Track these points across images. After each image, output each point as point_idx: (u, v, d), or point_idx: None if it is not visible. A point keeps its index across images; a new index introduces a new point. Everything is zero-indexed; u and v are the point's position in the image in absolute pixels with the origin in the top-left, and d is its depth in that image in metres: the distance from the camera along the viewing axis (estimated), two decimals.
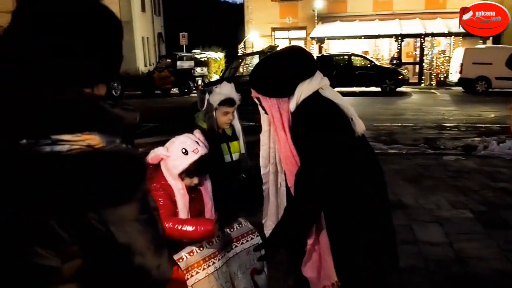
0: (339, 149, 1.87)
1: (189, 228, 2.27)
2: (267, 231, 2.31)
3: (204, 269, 2.30)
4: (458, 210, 5.27)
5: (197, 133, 2.50)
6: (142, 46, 33.06)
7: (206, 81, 21.73)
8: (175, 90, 22.74)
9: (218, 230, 2.47)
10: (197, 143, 2.39)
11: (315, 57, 16.55)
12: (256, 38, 27.73)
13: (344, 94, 17.61)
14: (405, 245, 4.10)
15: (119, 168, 0.95)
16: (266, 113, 2.06)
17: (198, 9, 44.17)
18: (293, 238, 2.05)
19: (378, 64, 21.85)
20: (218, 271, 2.36)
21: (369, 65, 20.92)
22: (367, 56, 22.46)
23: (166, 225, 2.21)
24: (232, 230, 2.56)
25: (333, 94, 1.97)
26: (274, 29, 28.53)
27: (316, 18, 26.38)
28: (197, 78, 22.12)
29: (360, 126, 1.94)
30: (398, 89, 20.37)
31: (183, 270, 2.22)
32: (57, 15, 0.96)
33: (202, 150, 2.37)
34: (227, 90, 2.96)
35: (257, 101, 2.07)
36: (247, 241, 2.59)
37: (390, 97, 18.56)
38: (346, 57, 21.44)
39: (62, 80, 0.94)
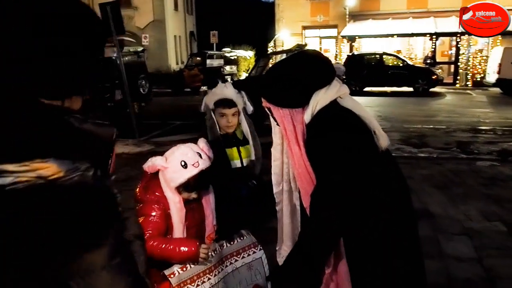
0: (359, 158, 1.63)
1: (170, 247, 2.10)
2: (281, 260, 2.05)
3: (198, 285, 2.12)
4: (491, 222, 4.90)
5: (201, 142, 2.32)
6: (174, 45, 33.34)
7: (235, 79, 21.69)
8: (204, 88, 22.74)
9: (215, 244, 2.30)
10: (199, 155, 2.21)
11: (346, 56, 16.33)
12: (287, 37, 27.47)
13: (375, 94, 17.30)
14: (428, 260, 3.78)
15: (81, 205, 0.76)
16: (278, 124, 1.83)
17: (229, 8, 44.20)
18: (309, 269, 1.76)
19: (411, 63, 21.21)
20: (213, 287, 2.18)
21: (401, 65, 20.33)
22: (399, 55, 21.85)
23: (150, 243, 2.07)
24: (232, 243, 2.36)
25: (353, 104, 1.74)
26: (304, 28, 28.21)
27: (347, 16, 25.92)
28: (226, 77, 22.11)
29: (384, 140, 1.72)
30: (432, 89, 19.72)
31: (174, 287, 2.04)
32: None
33: (203, 164, 2.20)
34: (221, 90, 2.76)
35: (268, 112, 1.85)
36: (248, 255, 2.39)
37: (422, 98, 17.97)
38: (377, 56, 20.88)
39: (19, 90, 0.76)
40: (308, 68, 1.73)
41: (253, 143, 2.89)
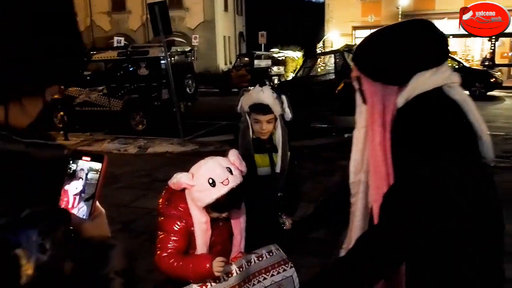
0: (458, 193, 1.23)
1: (185, 265, 1.95)
2: None
3: None
4: None
5: (232, 155, 2.09)
6: (223, 45, 33.58)
7: (282, 79, 21.50)
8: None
9: (242, 260, 2.11)
10: (229, 170, 1.98)
11: None
12: (336, 37, 26.96)
13: None
14: None
15: None
16: (364, 102, 1.46)
17: (279, 8, 44.03)
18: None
19: (467, 65, 20.20)
20: None
21: (456, 66, 19.35)
22: (454, 57, 20.86)
23: (168, 261, 1.96)
24: (260, 259, 2.16)
25: (462, 96, 1.35)
26: (355, 28, 27.60)
27: (400, 16, 25.07)
28: (273, 77, 21.94)
29: (489, 150, 1.33)
30: (489, 93, 18.67)
31: None
32: None
33: (234, 181, 1.96)
34: (256, 94, 2.51)
35: (355, 84, 1.50)
36: (278, 272, 2.18)
37: (479, 102, 16.91)
38: None
39: None
40: (417, 41, 1.36)
41: (282, 153, 2.63)
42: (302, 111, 12.35)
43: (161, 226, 2.03)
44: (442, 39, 1.38)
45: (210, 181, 1.92)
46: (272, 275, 2.17)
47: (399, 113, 1.35)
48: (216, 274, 1.93)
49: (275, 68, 22.96)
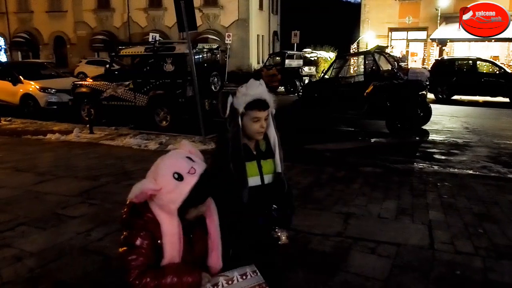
0: None
1: (168, 281, 1.71)
2: None
3: None
4: None
5: (185, 145, 1.89)
6: (256, 44, 33.39)
7: (313, 80, 21.15)
8: (281, 89, 22.41)
9: (212, 279, 1.86)
10: (190, 159, 1.78)
11: (434, 61, 15.19)
12: (371, 38, 26.32)
13: (464, 103, 15.91)
14: None
15: None
16: None
17: (315, 8, 43.52)
18: None
19: (510, 71, 19.25)
20: None
21: (497, 72, 18.49)
22: (496, 62, 19.93)
23: (144, 281, 1.70)
24: (230, 283, 1.90)
25: None
26: (391, 29, 26.91)
27: (439, 18, 24.27)
28: (304, 78, 21.59)
29: None
30: None
31: None
32: None
33: (199, 167, 1.78)
34: (255, 89, 2.24)
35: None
36: None
37: None
38: (470, 61, 19.13)
39: None
40: None
41: (279, 155, 2.35)
42: (328, 113, 12.05)
43: (126, 240, 1.78)
44: None
45: (176, 176, 1.73)
46: None
47: None
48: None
49: (306, 69, 22.58)
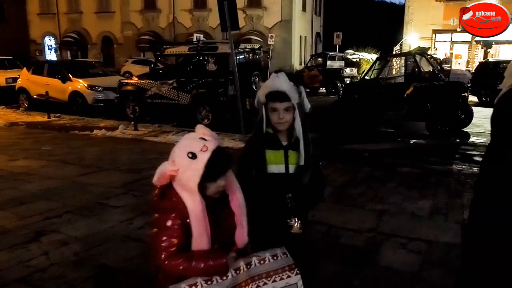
0: None
1: (197, 267, 1.84)
2: None
3: None
4: None
5: (199, 128, 2.00)
6: (299, 45, 33.43)
7: (355, 81, 21.02)
8: (323, 90, 22.36)
9: (240, 261, 1.97)
10: (203, 139, 1.90)
11: (478, 63, 14.90)
12: (414, 40, 25.80)
13: None
14: None
15: None
16: None
17: (358, 10, 43.10)
18: None
19: None
20: None
21: None
22: None
23: (173, 263, 1.83)
24: (262, 262, 2.00)
25: None
26: (435, 31, 26.25)
27: None
28: (345, 79, 21.46)
29: None
30: None
31: None
32: None
33: (212, 144, 1.89)
34: (273, 81, 2.34)
35: None
36: (281, 279, 2.00)
37: None
38: None
39: None
40: None
41: (304, 146, 2.44)
42: (368, 114, 11.97)
43: (157, 222, 1.91)
44: None
45: (190, 155, 1.83)
46: (274, 280, 2.00)
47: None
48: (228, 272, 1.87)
49: (347, 70, 22.48)
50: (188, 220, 1.88)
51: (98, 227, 4.62)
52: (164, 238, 1.86)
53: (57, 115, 13.71)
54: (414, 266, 3.78)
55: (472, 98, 18.00)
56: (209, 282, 1.86)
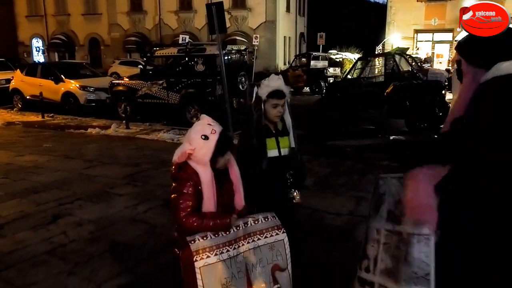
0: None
1: (207, 224, 2.42)
2: None
3: (216, 254, 2.36)
4: None
5: (204, 117, 2.57)
6: (283, 45, 33.97)
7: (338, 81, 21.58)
8: (307, 89, 22.93)
9: (239, 220, 2.54)
10: (210, 125, 2.48)
11: (456, 62, 15.29)
12: (397, 40, 26.56)
13: None
14: None
15: None
16: (459, 79, 2.16)
17: (341, 10, 43.82)
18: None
19: None
20: (231, 259, 2.41)
21: None
22: None
23: (190, 220, 2.39)
24: (256, 222, 2.59)
25: None
26: (417, 31, 27.09)
27: None
28: (329, 78, 22.06)
29: None
30: None
31: (192, 252, 2.33)
32: None
33: (218, 128, 2.49)
34: (275, 82, 2.94)
35: (455, 65, 2.22)
36: (271, 236, 2.59)
37: None
38: None
39: None
40: (505, 39, 2.12)
41: (293, 133, 3.06)
42: (351, 112, 12.56)
43: (174, 189, 2.48)
44: None
45: (203, 137, 2.42)
46: (266, 237, 2.58)
47: (480, 85, 1.97)
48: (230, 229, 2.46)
49: (331, 70, 23.05)
50: (200, 187, 2.45)
51: (107, 211, 5.18)
52: (182, 201, 2.43)
53: (51, 115, 14.09)
54: None
55: (449, 96, 18.72)
56: (216, 235, 2.44)
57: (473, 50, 2.12)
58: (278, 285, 2.57)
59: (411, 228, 2.05)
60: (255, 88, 3.00)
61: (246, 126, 3.08)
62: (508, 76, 1.93)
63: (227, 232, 2.48)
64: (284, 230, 2.65)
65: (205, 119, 2.58)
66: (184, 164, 2.49)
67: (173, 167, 2.55)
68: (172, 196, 2.50)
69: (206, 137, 2.43)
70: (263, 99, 2.95)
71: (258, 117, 2.97)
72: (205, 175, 2.46)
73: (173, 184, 2.53)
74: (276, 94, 2.94)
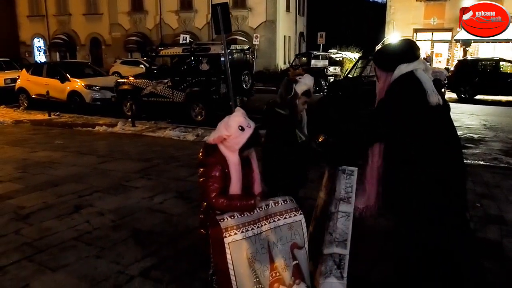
0: (407, 103, 2.59)
1: (235, 204, 2.69)
2: None
3: (242, 232, 2.64)
4: None
5: (240, 110, 2.84)
6: (283, 45, 34.22)
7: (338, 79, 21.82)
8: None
9: (262, 202, 2.81)
10: (245, 118, 2.75)
11: (457, 61, 16.00)
12: (396, 40, 26.72)
13: (487, 102, 16.06)
14: (487, 261, 3.88)
15: None
16: (378, 80, 2.86)
17: (341, 10, 44.05)
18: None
19: None
20: (256, 236, 2.69)
21: None
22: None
23: (220, 201, 2.65)
24: (276, 204, 2.87)
25: (422, 76, 2.66)
26: (416, 30, 27.34)
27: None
28: (329, 77, 22.30)
29: (433, 99, 2.59)
30: None
31: (222, 229, 2.60)
32: None
33: (253, 124, 2.76)
34: (310, 82, 3.35)
35: (374, 71, 2.95)
36: (290, 217, 2.88)
37: None
38: (493, 62, 19.43)
39: None
40: (402, 48, 2.76)
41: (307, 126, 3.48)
42: (352, 110, 12.82)
43: (203, 173, 2.73)
44: (414, 49, 2.77)
45: (240, 127, 2.68)
46: (285, 217, 2.87)
47: (392, 83, 2.68)
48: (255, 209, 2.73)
49: (331, 69, 23.29)
50: (227, 170, 2.72)
51: (125, 202, 5.46)
52: (211, 184, 2.70)
53: (57, 113, 14.29)
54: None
55: (452, 95, 18.94)
56: (241, 215, 2.71)
57: (381, 59, 2.83)
58: (297, 261, 2.85)
59: (340, 208, 2.98)
60: (294, 84, 3.32)
61: (284, 116, 3.34)
62: (407, 73, 2.65)
63: (251, 213, 2.75)
64: (302, 212, 2.92)
65: (240, 111, 2.84)
66: (212, 149, 2.75)
67: (200, 153, 2.81)
68: (200, 179, 2.76)
69: (242, 128, 2.69)
70: (299, 95, 3.31)
71: (293, 110, 3.34)
72: (234, 160, 2.72)
73: (201, 170, 2.79)
74: (309, 92, 3.34)
